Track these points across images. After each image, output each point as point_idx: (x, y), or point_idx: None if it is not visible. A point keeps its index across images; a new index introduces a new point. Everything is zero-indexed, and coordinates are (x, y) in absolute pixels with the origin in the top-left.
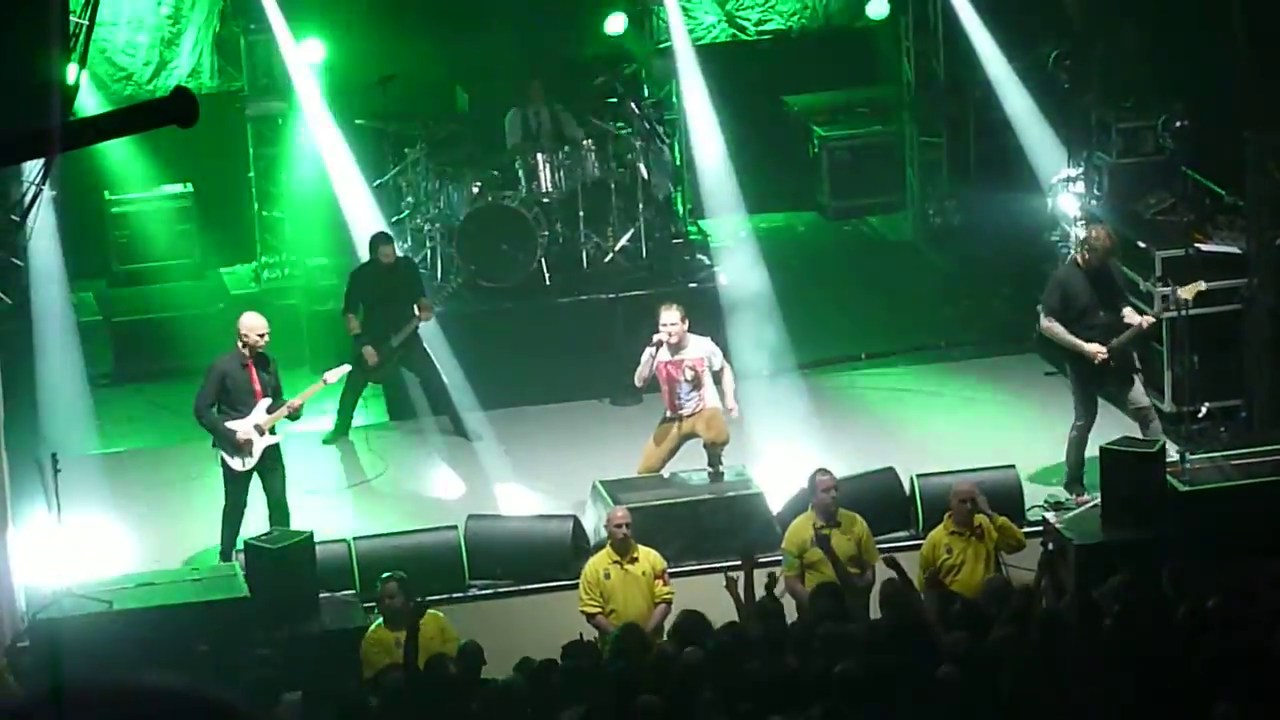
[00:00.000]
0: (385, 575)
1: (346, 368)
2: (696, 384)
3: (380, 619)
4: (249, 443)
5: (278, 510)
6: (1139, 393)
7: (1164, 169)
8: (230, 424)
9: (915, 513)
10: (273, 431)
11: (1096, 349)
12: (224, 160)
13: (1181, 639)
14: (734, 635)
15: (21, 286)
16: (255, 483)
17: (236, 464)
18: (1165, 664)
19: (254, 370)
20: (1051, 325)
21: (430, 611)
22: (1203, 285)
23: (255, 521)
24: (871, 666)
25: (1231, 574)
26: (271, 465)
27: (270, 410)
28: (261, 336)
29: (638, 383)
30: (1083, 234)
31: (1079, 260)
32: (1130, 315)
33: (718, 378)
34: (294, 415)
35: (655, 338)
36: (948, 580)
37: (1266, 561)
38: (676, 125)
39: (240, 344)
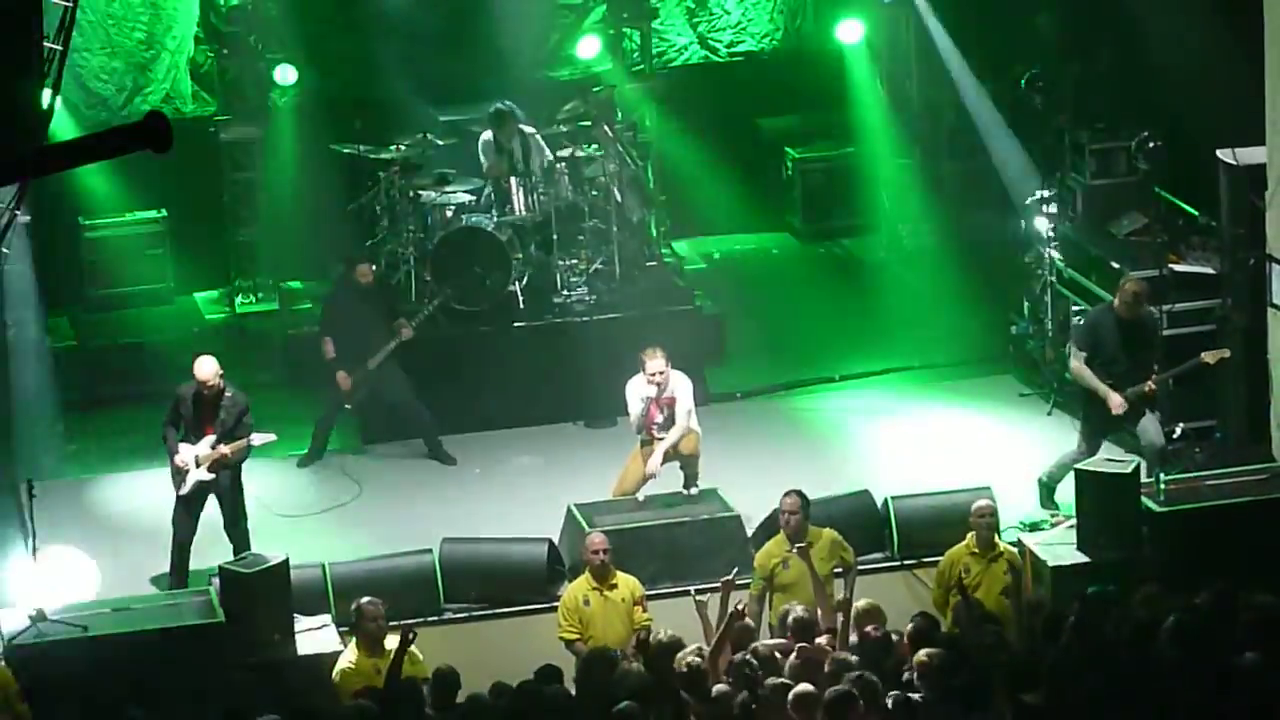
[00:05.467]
0: (365, 599)
1: (272, 436)
2: (674, 416)
3: (354, 645)
4: (184, 470)
5: (232, 539)
6: (1155, 432)
7: (1137, 190)
8: (179, 447)
9: (890, 535)
10: (210, 469)
11: (1118, 401)
12: (198, 185)
13: (1154, 658)
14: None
15: None
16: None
17: (174, 487)
18: (1138, 683)
19: (207, 405)
20: (1080, 367)
21: None
22: (1227, 353)
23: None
24: None
25: (1205, 595)
26: (220, 497)
27: (213, 447)
28: (205, 384)
29: (636, 432)
30: (1120, 283)
31: (1115, 307)
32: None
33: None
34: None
35: (646, 388)
36: None
37: (1241, 582)
38: (650, 148)
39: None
